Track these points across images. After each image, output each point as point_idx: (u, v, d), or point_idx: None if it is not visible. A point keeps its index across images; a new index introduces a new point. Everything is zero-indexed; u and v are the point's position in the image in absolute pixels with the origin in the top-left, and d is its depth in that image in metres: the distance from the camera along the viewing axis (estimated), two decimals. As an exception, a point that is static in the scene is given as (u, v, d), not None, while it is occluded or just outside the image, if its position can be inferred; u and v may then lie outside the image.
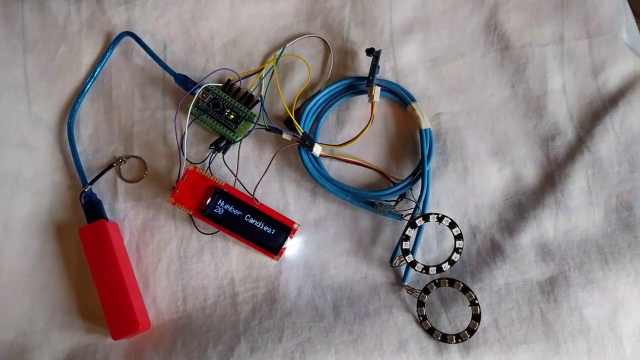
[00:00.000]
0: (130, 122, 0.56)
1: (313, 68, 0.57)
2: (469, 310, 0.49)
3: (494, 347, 0.48)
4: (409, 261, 0.50)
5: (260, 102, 0.53)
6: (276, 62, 0.54)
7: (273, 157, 0.51)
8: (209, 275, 0.53)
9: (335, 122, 0.56)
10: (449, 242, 0.53)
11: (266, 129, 0.52)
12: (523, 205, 0.53)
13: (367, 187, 0.54)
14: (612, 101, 0.54)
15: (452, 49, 0.57)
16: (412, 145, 0.55)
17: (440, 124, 0.55)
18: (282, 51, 0.55)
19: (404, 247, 0.50)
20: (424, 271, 0.50)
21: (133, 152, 0.55)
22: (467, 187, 0.54)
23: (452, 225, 0.49)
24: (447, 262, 0.50)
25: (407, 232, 0.49)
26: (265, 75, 0.56)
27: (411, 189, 0.53)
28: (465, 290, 0.48)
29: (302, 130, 0.52)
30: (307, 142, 0.52)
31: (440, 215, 0.49)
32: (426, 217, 0.49)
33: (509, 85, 0.56)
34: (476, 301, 0.48)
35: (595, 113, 0.54)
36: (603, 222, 0.51)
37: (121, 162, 0.55)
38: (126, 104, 0.56)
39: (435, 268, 0.50)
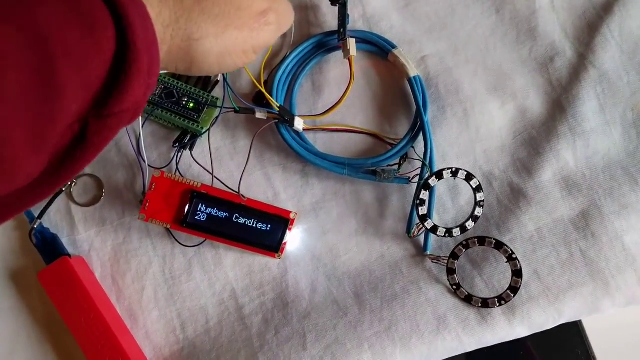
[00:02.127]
0: (71, 136, 0.46)
1: (272, 32, 0.49)
2: (505, 268, 0.44)
3: (541, 301, 0.43)
4: (429, 227, 0.44)
5: (224, 80, 0.45)
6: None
7: (252, 141, 0.43)
8: (204, 292, 0.45)
9: (311, 88, 0.49)
10: (464, 197, 0.47)
11: (235, 111, 0.44)
12: (535, 140, 0.47)
13: (363, 155, 0.48)
14: (605, 8, 0.49)
15: (423, -18, 0.50)
16: (403, 98, 0.48)
17: (428, 68, 0.49)
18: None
19: (420, 212, 0.43)
20: (447, 235, 0.44)
21: (83, 171, 0.46)
22: (472, 132, 0.48)
23: (469, 177, 0.43)
24: (470, 220, 0.44)
25: (421, 196, 0.43)
26: (219, 50, 0.47)
27: (413, 147, 0.46)
28: (499, 246, 0.43)
29: (278, 104, 0.44)
30: (285, 117, 0.44)
31: (454, 169, 0.43)
32: (439, 175, 0.43)
33: (493, 10, 0.50)
34: (514, 255, 0.42)
35: (591, 24, 0.49)
36: (623, 140, 0.47)
37: (71, 184, 0.46)
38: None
39: (458, 229, 0.44)
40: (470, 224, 0.44)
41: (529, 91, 0.48)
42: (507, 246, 0.43)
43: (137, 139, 0.45)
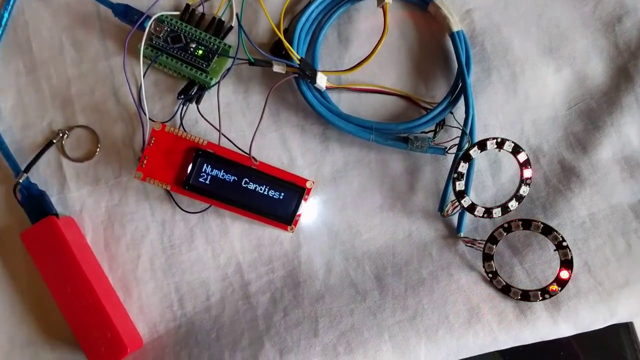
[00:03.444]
0: (65, 82, 0.41)
1: (296, -26, 0.42)
2: (550, 257, 0.38)
3: (590, 297, 0.38)
4: (465, 205, 0.38)
5: (239, 25, 0.39)
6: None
7: (267, 95, 0.38)
8: (207, 265, 0.40)
9: (337, 40, 0.42)
10: (506, 174, 0.41)
11: (250, 63, 0.38)
12: (594, 112, 0.41)
13: (393, 120, 0.42)
14: (687, -39, 0.42)
15: None
16: (442, 56, 0.42)
17: (474, 24, 0.42)
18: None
19: (457, 188, 0.38)
20: (485, 215, 0.38)
21: (76, 121, 0.41)
22: (519, 100, 0.42)
23: (516, 149, 0.37)
24: (513, 199, 0.38)
25: (459, 169, 0.37)
26: (235, -9, 0.41)
27: (452, 113, 0.40)
28: (547, 231, 0.37)
29: (299, 57, 0.38)
30: (307, 71, 0.38)
31: (499, 140, 0.37)
32: (482, 145, 0.37)
33: (554, -41, 0.43)
34: (564, 243, 0.37)
35: (669, -21, 0.42)
36: (698, 117, 0.40)
37: (63, 135, 0.41)
38: (55, 57, 0.41)
39: (499, 209, 0.38)
40: (513, 204, 0.38)
41: (590, 55, 0.42)
42: (556, 232, 0.37)
43: (138, 88, 0.40)
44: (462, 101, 0.40)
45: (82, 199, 0.40)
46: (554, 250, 0.37)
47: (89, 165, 0.41)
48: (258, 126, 0.37)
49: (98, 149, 0.41)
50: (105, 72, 0.41)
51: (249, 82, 0.42)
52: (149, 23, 0.39)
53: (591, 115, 0.41)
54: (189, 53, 0.40)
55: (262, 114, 0.37)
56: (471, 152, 0.37)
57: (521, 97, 0.42)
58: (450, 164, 0.40)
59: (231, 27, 0.42)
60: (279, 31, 0.39)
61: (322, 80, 0.39)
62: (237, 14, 0.37)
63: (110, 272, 0.40)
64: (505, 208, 0.38)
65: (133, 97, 0.40)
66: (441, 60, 0.42)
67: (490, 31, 0.42)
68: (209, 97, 0.41)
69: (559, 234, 0.36)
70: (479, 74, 0.42)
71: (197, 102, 0.40)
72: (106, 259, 0.40)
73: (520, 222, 0.37)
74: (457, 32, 0.40)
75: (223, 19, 0.41)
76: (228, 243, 0.40)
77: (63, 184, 0.40)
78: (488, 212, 0.38)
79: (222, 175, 0.38)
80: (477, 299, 0.38)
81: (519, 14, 0.42)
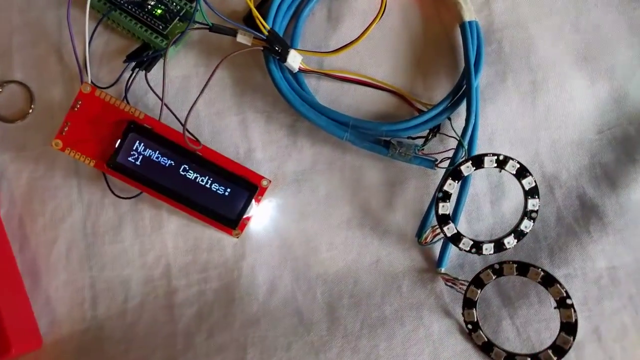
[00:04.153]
0: (7, 30, 0.36)
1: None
2: (550, 315, 0.30)
3: (596, 375, 0.29)
4: (448, 234, 0.30)
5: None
6: None
7: (218, 65, 0.31)
8: (131, 261, 0.34)
9: (326, 18, 0.36)
10: (509, 202, 0.33)
11: (209, 29, 0.32)
12: (631, 141, 0.33)
13: (377, 118, 0.34)
14: None
15: None
16: (449, 50, 0.35)
17: (493, 15, 0.35)
18: None
19: (440, 211, 0.30)
20: (473, 250, 0.30)
21: (12, 76, 0.35)
22: (538, 114, 0.34)
23: (522, 172, 0.29)
24: (511, 235, 0.30)
25: (445, 187, 0.30)
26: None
27: (449, 119, 0.32)
28: (549, 281, 0.28)
29: (268, 27, 0.32)
30: (276, 46, 0.32)
31: (501, 157, 0.29)
32: (478, 161, 0.29)
33: (603, -51, 0.35)
34: (569, 301, 0.28)
35: None
36: None
37: (-6, 90, 0.35)
38: (0, 1, 0.36)
39: (492, 245, 0.30)
40: (510, 241, 0.30)
41: (635, 70, 0.33)
42: (560, 284, 0.28)
43: (84, 47, 0.34)
44: (464, 106, 0.32)
45: (3, 164, 0.35)
46: (555, 308, 0.29)
47: (17, 128, 0.35)
48: (199, 96, 0.30)
49: (31, 110, 0.35)
50: (53, 24, 0.36)
51: (214, 54, 0.35)
52: (101, -31, 0.33)
53: (627, 145, 0.33)
54: (145, 11, 0.34)
55: (206, 82, 0.30)
56: (463, 168, 0.29)
57: (540, 111, 0.34)
58: (438, 177, 0.32)
59: (202, -12, 0.35)
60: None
61: (294, 60, 0.32)
62: None
63: (19, 253, 0.34)
64: (499, 244, 0.30)
65: (76, 56, 0.34)
66: (447, 55, 0.34)
67: (513, 27, 0.34)
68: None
69: (563, 288, 0.28)
70: (491, 77, 0.34)
71: (147, 70, 0.34)
72: (18, 238, 0.34)
73: (516, 266, 0.29)
74: (470, 22, 0.33)
75: (194, -23, 0.35)
76: (160, 240, 0.34)
77: (-16, 145, 0.35)
78: (477, 246, 0.30)
79: (157, 157, 0.32)
80: (448, 354, 0.30)
81: (552, 10, 0.34)
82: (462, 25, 0.33)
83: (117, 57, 0.35)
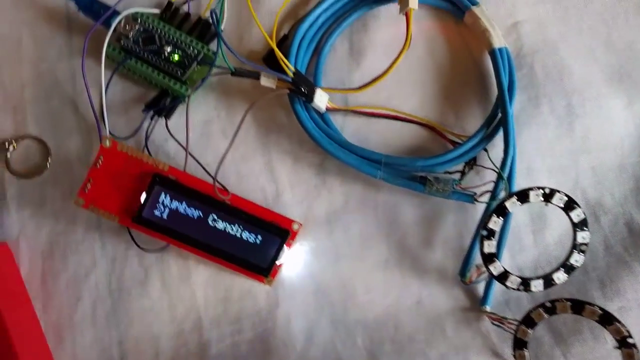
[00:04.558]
0: (18, 84, 0.35)
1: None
2: (608, 352, 0.28)
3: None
4: (495, 273, 0.28)
5: (215, 25, 0.32)
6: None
7: (246, 111, 0.30)
8: (160, 316, 0.32)
9: (348, 52, 0.34)
10: (553, 232, 0.32)
11: (231, 73, 0.31)
12: (676, 162, 0.31)
13: (409, 153, 0.33)
14: None
15: None
16: (479, 78, 0.33)
17: (522, 40, 0.33)
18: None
19: (486, 249, 0.28)
20: (522, 288, 0.28)
21: (27, 131, 0.34)
22: (576, 139, 0.32)
23: (570, 205, 0.28)
24: (561, 270, 0.28)
25: (490, 224, 0.28)
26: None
27: (486, 150, 0.31)
28: (607, 320, 0.27)
29: (293, 69, 0.31)
30: (302, 87, 0.30)
31: (547, 191, 0.28)
32: (523, 196, 0.28)
33: (630, -36, 0.34)
34: (630, 340, 0.26)
35: None
36: None
37: (9, 146, 0.34)
38: (10, 54, 0.35)
39: (541, 281, 0.28)
40: (560, 277, 0.28)
41: (675, 87, 0.32)
42: (620, 323, 0.27)
43: (100, 97, 0.33)
44: (500, 136, 0.31)
45: (22, 221, 0.33)
46: (615, 347, 0.27)
47: (35, 183, 0.34)
48: (230, 145, 0.29)
49: (48, 165, 0.34)
50: (67, 75, 0.35)
51: (235, 97, 0.34)
52: (117, 20, 0.32)
53: (673, 166, 0.31)
54: (162, 58, 0.33)
55: (235, 131, 0.29)
56: (508, 204, 0.28)
57: (578, 135, 0.32)
58: (480, 214, 0.31)
59: (222, 30, 0.34)
60: (271, 38, 0.31)
61: (321, 100, 0.31)
62: (213, 12, 0.30)
63: (43, 313, 0.32)
64: (548, 280, 0.29)
65: (92, 107, 0.33)
66: (477, 83, 0.33)
67: (543, 50, 0.33)
68: (184, 113, 0.33)
69: (624, 327, 0.26)
70: (524, 103, 0.33)
71: (167, 117, 0.33)
72: (40, 297, 0.33)
73: (570, 304, 0.28)
74: (500, 49, 0.32)
75: (210, 20, 0.34)
76: (189, 291, 0.32)
77: (1, 203, 0.34)
78: (525, 284, 0.29)
79: (184, 210, 0.30)
80: (502, 401, 0.29)
81: (582, 29, 0.33)
82: (492, 53, 0.32)
83: (135, 106, 0.34)
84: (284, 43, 0.34)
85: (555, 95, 0.32)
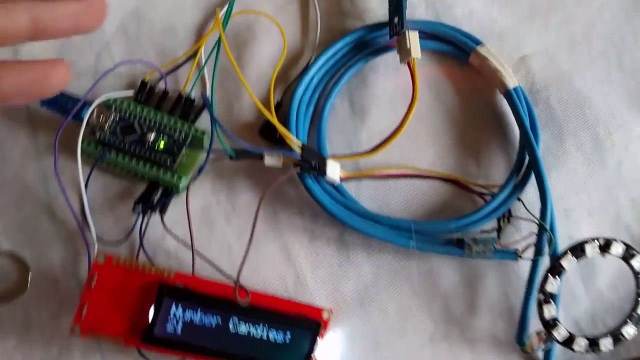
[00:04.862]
0: (-18, 194, 0.30)
1: (288, 27, 0.32)
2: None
3: None
4: (560, 339, 0.26)
5: (207, 106, 0.28)
6: (223, 28, 0.29)
7: (258, 207, 0.26)
8: None
9: (349, 111, 0.31)
10: (603, 276, 0.29)
11: (230, 158, 0.27)
12: None
13: (436, 213, 0.30)
14: None
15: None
16: (494, 121, 0.31)
17: (532, 74, 0.31)
18: (229, 6, 0.30)
19: (547, 315, 0.25)
20: (590, 349, 0.26)
21: (-1, 247, 0.30)
22: (609, 172, 0.30)
23: (630, 253, 0.25)
24: (629, 323, 0.26)
25: (547, 287, 0.25)
26: (207, 58, 0.31)
27: (520, 199, 0.29)
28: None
29: (300, 143, 0.27)
30: (312, 162, 0.27)
31: (602, 241, 0.25)
32: (579, 250, 0.25)
33: (628, -18, 0.32)
34: None
35: None
36: None
37: (-21, 270, 0.29)
38: (-31, 162, 0.31)
39: (609, 340, 0.26)
40: (630, 331, 0.26)
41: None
42: None
43: (80, 198, 0.29)
44: (529, 181, 0.29)
45: (6, 354, 0.28)
46: None
47: (16, 307, 0.29)
48: (249, 246, 0.25)
49: (29, 283, 0.29)
50: (37, 177, 0.30)
51: (233, 176, 0.30)
52: (88, 112, 0.28)
53: None
54: (146, 147, 0.29)
55: (252, 229, 0.25)
56: (564, 262, 0.25)
57: (611, 168, 0.30)
58: (524, 269, 0.28)
59: (204, 105, 0.31)
60: (269, 110, 0.28)
61: (334, 171, 0.28)
62: (204, 95, 0.26)
63: None
64: (617, 337, 0.26)
65: (73, 211, 0.28)
66: (494, 126, 0.31)
67: (557, 82, 0.31)
68: (179, 202, 0.30)
69: None
70: (547, 142, 0.30)
71: (162, 212, 0.29)
72: None
73: (648, 363, 0.25)
74: (514, 88, 0.29)
75: (193, 97, 0.31)
76: (215, 410, 0.28)
77: (-21, 339, 0.29)
78: (593, 344, 0.26)
79: (200, 319, 0.26)
80: None
81: (592, 56, 0.31)
82: (508, 94, 0.29)
83: (121, 202, 0.30)
84: (279, 110, 0.31)
85: (578, 129, 0.30)
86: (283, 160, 0.28)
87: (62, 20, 0.19)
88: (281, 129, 0.27)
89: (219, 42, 0.28)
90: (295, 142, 0.27)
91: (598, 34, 0.32)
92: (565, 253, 0.25)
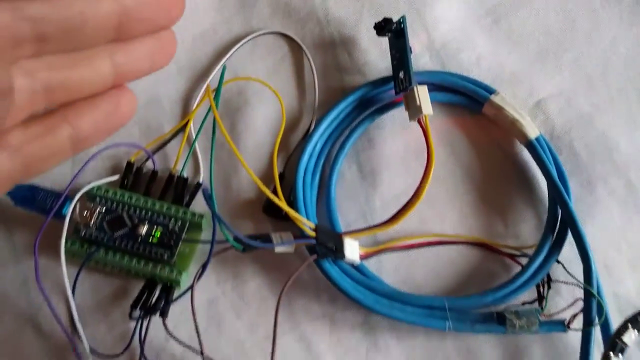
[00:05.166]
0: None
1: (283, 90, 0.30)
2: None
3: None
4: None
5: (207, 198, 0.25)
6: (216, 100, 0.27)
7: (277, 305, 0.23)
8: None
9: (359, 176, 0.29)
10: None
11: (242, 251, 0.24)
12: None
13: (464, 282, 0.27)
14: None
15: (515, -17, 0.31)
16: (515, 173, 0.29)
17: (551, 119, 0.29)
18: (222, 75, 0.28)
19: (610, 397, 0.22)
20: None
21: (-23, 371, 0.26)
22: (647, 219, 0.28)
23: (693, 316, 0.23)
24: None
25: (608, 365, 0.22)
26: (198, 131, 0.28)
27: (559, 262, 0.26)
28: None
29: (313, 225, 0.24)
30: (328, 244, 0.24)
31: (661, 306, 0.23)
32: (638, 321, 0.22)
33: (639, 11, 0.30)
34: None
35: None
36: None
37: (-44, 401, 0.25)
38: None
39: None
40: (701, 403, 0.23)
41: None
42: None
43: (67, 305, 0.25)
44: (565, 240, 0.26)
45: None
46: None
47: None
48: (273, 353, 0.22)
49: (15, 412, 0.25)
50: (15, 283, 0.27)
51: (237, 261, 0.27)
52: (70, 208, 0.25)
53: None
54: (139, 241, 0.25)
55: (274, 334, 0.22)
56: (625, 337, 0.22)
57: (648, 213, 0.28)
58: (571, 340, 0.25)
59: (199, 185, 0.28)
60: (276, 194, 0.25)
61: (353, 250, 0.25)
62: (204, 191, 0.22)
63: None
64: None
65: (60, 322, 0.25)
66: (516, 179, 0.28)
67: (578, 126, 0.29)
68: (182, 297, 0.26)
69: None
70: (576, 191, 0.28)
71: (163, 314, 0.25)
72: None
73: None
74: (537, 138, 0.27)
75: (185, 175, 0.28)
76: None
77: None
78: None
79: None
80: None
81: (610, 94, 0.29)
82: (530, 145, 0.27)
83: (115, 305, 0.27)
84: (282, 182, 0.28)
85: (609, 175, 0.28)
86: (295, 245, 0.25)
87: (140, 62, 0.17)
88: (290, 212, 0.24)
89: (214, 124, 0.26)
90: (307, 225, 0.24)
91: (613, 70, 0.30)
92: (624, 327, 0.22)
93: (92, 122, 0.17)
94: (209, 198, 0.22)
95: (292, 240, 0.24)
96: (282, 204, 0.24)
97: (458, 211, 0.28)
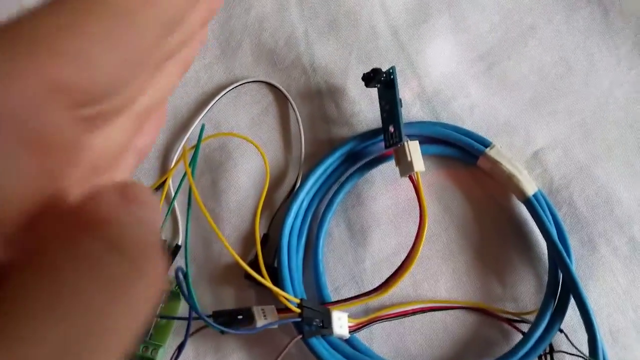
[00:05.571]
0: None
1: (267, 144, 0.28)
2: None
3: None
4: None
5: (181, 279, 0.23)
6: (194, 161, 0.25)
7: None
8: None
9: (347, 234, 0.27)
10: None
11: (222, 332, 0.23)
12: None
13: (463, 350, 0.26)
14: None
15: (510, 25, 0.30)
16: (511, 229, 0.27)
17: (549, 171, 0.28)
18: (200, 133, 0.26)
19: None
20: None
21: None
22: (652, 277, 0.26)
23: None
24: None
25: None
26: (176, 192, 0.26)
27: (562, 331, 0.24)
28: None
29: (297, 300, 0.23)
30: (314, 319, 0.23)
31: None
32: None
33: (637, 54, 0.29)
34: None
35: None
36: None
37: None
38: None
39: None
40: None
41: None
42: None
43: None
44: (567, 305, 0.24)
45: None
46: None
47: None
48: None
49: None
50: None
51: (219, 335, 0.25)
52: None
53: None
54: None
55: None
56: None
57: (653, 272, 0.26)
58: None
59: (178, 247, 0.26)
60: (260, 272, 0.23)
61: (342, 324, 0.23)
62: (178, 270, 0.21)
63: None
64: None
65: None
66: (513, 236, 0.27)
67: (578, 178, 0.27)
68: (158, 377, 0.24)
69: None
70: (577, 249, 0.26)
71: (138, 396, 0.24)
72: None
73: None
74: (534, 194, 0.26)
75: (163, 237, 0.26)
76: None
77: None
78: None
79: None
80: None
81: (607, 144, 0.28)
82: (528, 203, 0.25)
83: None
84: (266, 245, 0.26)
85: (611, 232, 0.26)
86: (278, 318, 0.23)
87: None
88: (273, 288, 0.22)
89: (189, 191, 0.24)
90: (292, 302, 0.22)
91: (610, 118, 0.28)
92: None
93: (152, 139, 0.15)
94: (184, 277, 0.20)
95: (275, 320, 0.22)
96: (265, 281, 0.22)
97: (452, 272, 0.26)
